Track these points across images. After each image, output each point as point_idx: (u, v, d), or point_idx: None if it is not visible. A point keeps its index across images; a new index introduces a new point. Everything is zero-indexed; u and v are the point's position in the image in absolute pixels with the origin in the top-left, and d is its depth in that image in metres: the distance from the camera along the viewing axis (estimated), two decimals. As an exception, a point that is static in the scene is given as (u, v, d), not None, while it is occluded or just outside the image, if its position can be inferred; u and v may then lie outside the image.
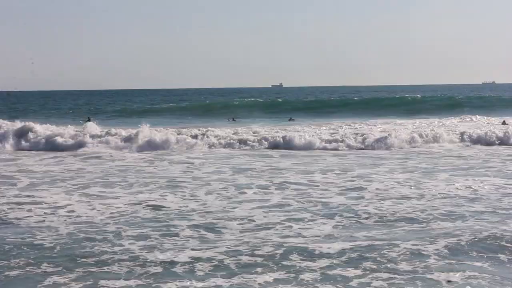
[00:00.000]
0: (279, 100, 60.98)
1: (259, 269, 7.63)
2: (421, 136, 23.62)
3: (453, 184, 13.60)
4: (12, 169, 17.30)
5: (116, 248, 8.61)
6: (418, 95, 62.00)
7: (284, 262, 7.86)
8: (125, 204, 11.81)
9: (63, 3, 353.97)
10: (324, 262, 7.84)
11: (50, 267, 7.80)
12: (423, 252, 8.13)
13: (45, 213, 11.03)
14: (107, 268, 7.72)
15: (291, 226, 9.82)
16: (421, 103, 52.98)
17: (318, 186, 13.72)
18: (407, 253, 8.12)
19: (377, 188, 13.22)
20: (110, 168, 17.31)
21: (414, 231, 9.37)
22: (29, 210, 11.23)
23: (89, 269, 7.68)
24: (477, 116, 38.53)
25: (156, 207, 11.50)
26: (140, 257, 8.17)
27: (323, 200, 12.05)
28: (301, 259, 7.96)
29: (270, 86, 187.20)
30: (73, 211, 11.17)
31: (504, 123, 31.78)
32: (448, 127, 29.75)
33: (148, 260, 8.01)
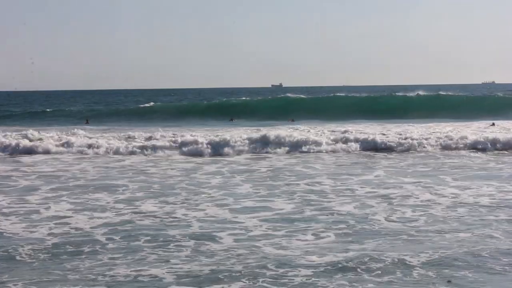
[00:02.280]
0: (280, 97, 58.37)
1: (226, 280, 7.44)
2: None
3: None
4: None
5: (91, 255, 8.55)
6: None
7: (259, 274, 7.63)
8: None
9: (63, 3, 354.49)
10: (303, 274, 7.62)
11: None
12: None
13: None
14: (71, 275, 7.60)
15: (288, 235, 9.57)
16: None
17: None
18: (393, 265, 7.90)
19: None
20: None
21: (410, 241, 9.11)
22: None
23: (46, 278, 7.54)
24: None
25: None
26: (113, 266, 8.05)
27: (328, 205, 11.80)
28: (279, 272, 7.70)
29: (270, 86, 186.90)
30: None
31: (493, 125, 30.55)
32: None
33: (119, 269, 7.89)
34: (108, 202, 12.42)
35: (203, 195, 13.03)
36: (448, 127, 29.41)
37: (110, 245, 9.06)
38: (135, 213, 11.37)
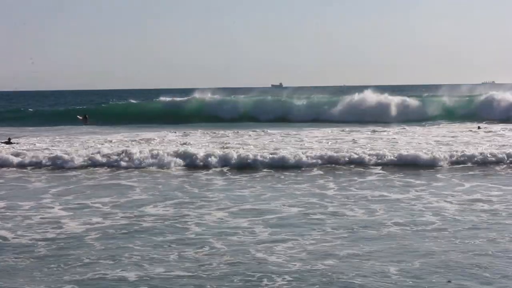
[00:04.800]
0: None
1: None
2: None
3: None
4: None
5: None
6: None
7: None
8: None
9: (63, 3, 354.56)
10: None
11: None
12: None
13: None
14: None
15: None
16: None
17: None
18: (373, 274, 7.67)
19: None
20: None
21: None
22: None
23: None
24: None
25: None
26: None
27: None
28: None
29: (270, 86, 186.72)
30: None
31: (479, 128, 30.04)
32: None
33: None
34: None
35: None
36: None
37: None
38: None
